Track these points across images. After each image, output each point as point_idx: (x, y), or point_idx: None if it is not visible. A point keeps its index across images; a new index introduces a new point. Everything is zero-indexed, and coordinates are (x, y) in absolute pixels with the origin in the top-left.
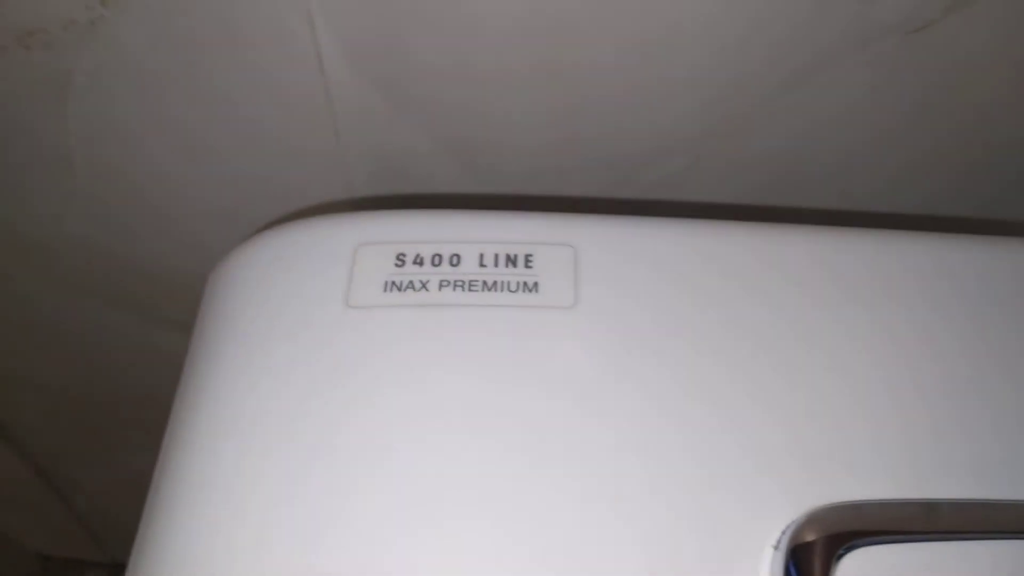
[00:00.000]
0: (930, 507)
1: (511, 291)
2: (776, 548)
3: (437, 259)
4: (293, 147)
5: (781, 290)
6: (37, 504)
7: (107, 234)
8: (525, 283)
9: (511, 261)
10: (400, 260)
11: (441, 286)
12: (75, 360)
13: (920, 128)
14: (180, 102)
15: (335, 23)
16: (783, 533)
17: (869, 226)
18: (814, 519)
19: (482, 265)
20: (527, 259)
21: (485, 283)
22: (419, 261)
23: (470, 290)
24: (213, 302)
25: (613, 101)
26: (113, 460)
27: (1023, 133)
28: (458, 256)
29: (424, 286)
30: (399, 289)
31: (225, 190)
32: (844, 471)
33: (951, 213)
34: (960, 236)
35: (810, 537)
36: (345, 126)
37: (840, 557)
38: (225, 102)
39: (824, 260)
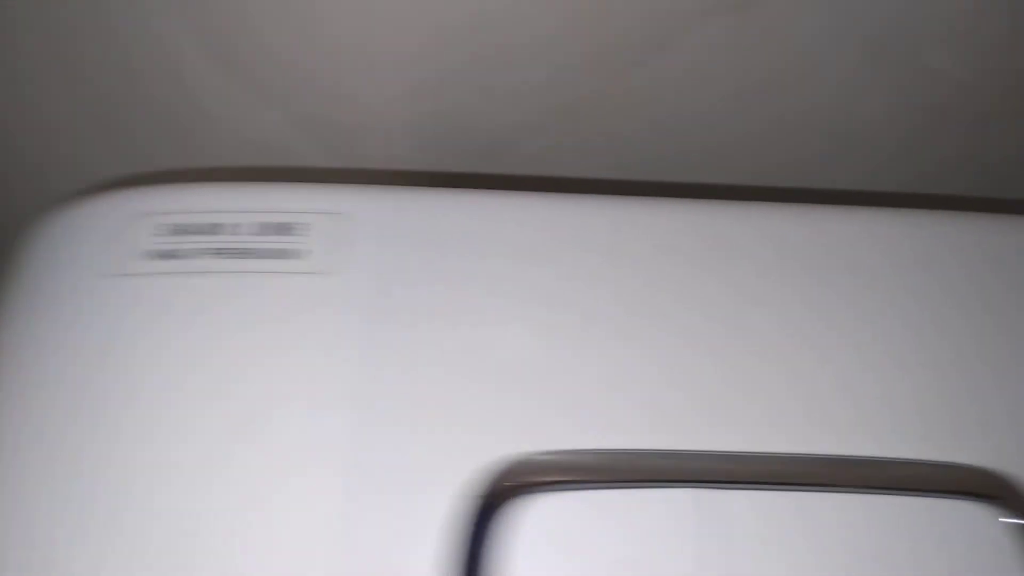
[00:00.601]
0: (616, 457)
1: (279, 258)
2: (468, 496)
3: (209, 228)
4: (160, 130)
5: (534, 255)
6: None
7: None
8: (295, 251)
9: (281, 230)
10: (171, 230)
11: (210, 254)
12: None
13: (767, 100)
14: (55, 87)
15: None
16: (473, 481)
17: (723, 198)
18: (504, 469)
19: (252, 234)
20: (297, 228)
21: (253, 251)
22: (191, 231)
23: (237, 258)
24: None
25: (471, 81)
26: None
27: (851, 103)
28: (229, 225)
29: (193, 254)
30: (168, 257)
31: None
32: (537, 423)
33: (804, 184)
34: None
35: (501, 485)
36: (209, 108)
37: (521, 504)
38: (95, 89)
39: (588, 226)
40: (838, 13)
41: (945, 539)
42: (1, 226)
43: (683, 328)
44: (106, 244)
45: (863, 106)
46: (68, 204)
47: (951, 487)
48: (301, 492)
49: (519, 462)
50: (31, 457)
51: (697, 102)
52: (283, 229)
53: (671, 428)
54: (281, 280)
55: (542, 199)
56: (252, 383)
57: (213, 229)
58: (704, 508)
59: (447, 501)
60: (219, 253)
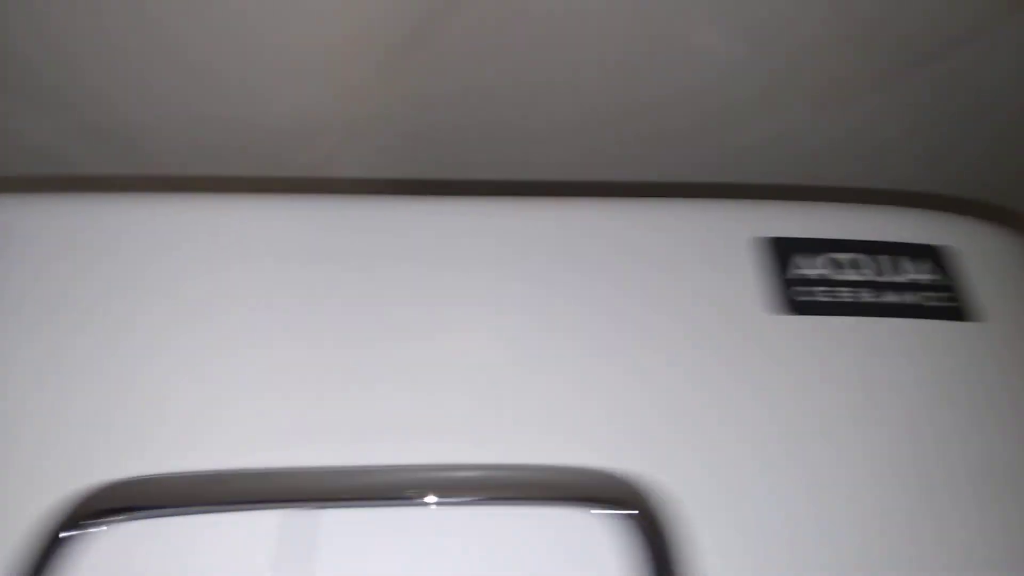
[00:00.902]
0: (198, 481)
1: None
2: (41, 525)
3: None
4: None
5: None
6: None
7: None
8: None
9: None
10: None
11: None
12: None
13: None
14: None
15: None
16: (52, 508)
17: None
18: (83, 496)
19: None
20: None
21: None
22: None
23: None
24: None
25: (243, 79)
26: None
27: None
28: None
29: None
30: None
31: None
32: (139, 445)
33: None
34: None
35: (76, 514)
36: None
37: (93, 536)
38: None
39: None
40: None
41: (542, 541)
42: None
43: (280, 337)
44: None
45: (634, 91)
46: None
47: (544, 493)
48: None
49: (100, 488)
50: None
51: (450, 95)
52: None
53: (275, 445)
54: None
55: (203, 201)
56: None
57: None
58: (296, 529)
59: (20, 528)
60: None
